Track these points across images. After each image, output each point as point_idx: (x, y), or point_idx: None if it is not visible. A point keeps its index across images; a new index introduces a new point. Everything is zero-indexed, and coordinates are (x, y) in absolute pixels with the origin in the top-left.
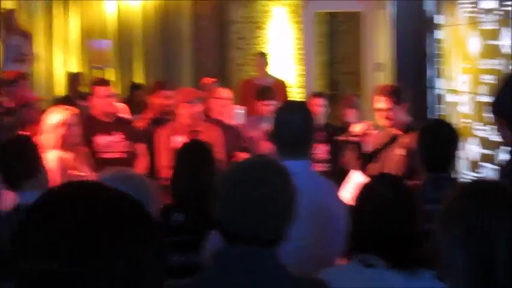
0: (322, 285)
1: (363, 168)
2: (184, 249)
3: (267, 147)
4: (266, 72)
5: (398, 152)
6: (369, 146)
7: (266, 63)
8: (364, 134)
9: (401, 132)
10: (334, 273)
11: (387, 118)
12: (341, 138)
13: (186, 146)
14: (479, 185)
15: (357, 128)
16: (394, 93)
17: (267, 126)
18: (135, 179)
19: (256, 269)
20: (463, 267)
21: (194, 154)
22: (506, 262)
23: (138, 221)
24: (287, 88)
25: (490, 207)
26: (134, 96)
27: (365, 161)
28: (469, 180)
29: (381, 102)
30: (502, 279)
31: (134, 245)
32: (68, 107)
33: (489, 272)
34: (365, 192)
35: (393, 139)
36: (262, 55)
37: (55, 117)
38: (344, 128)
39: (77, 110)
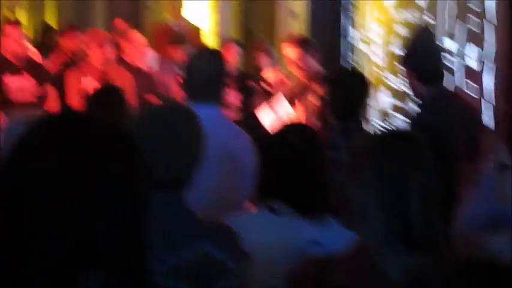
0: (228, 230)
1: None
2: None
3: (179, 93)
4: (181, 17)
5: (310, 101)
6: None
7: (180, 8)
8: (277, 82)
9: (312, 82)
10: (241, 220)
11: (298, 67)
12: (252, 84)
13: (97, 92)
14: (390, 135)
15: (269, 75)
16: (303, 43)
17: (179, 71)
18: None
19: (162, 211)
20: (376, 218)
21: (106, 100)
22: (419, 212)
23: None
24: (201, 34)
25: (400, 157)
26: (45, 38)
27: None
28: (378, 132)
29: (291, 52)
30: (416, 229)
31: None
32: None
33: (403, 222)
34: (275, 140)
35: (304, 88)
36: (176, 1)
37: None
38: (256, 74)
39: None
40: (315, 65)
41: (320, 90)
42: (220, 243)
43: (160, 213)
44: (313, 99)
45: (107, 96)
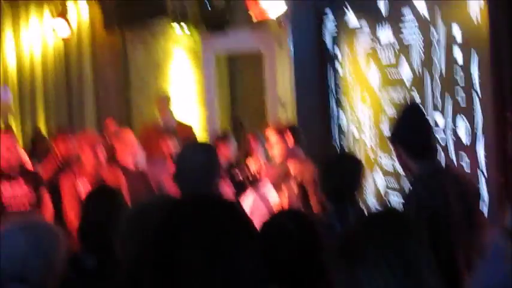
0: None
1: None
2: None
3: (173, 189)
4: (170, 115)
5: (291, 185)
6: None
7: (169, 106)
8: (258, 172)
9: (293, 166)
10: None
11: (277, 152)
12: (239, 178)
13: (92, 193)
14: (373, 217)
15: (252, 166)
16: (283, 130)
17: (171, 167)
18: (42, 227)
19: None
20: None
21: (102, 200)
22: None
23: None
24: (192, 131)
25: (402, 233)
26: (37, 143)
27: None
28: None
29: (271, 138)
30: None
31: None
32: None
33: None
34: (270, 227)
35: (287, 173)
36: (164, 98)
37: None
38: (243, 162)
39: None
40: (294, 149)
41: (300, 174)
42: None
43: None
44: (293, 185)
45: (101, 196)
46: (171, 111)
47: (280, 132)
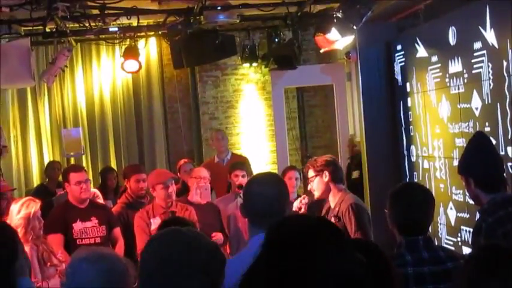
0: None
1: None
2: None
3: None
4: (225, 148)
5: (332, 219)
6: None
7: (224, 138)
8: (299, 209)
9: (331, 199)
10: None
11: (311, 188)
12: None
13: (166, 222)
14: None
15: (295, 203)
16: (315, 165)
17: (240, 201)
18: (111, 257)
19: None
20: None
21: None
22: None
23: None
24: (248, 163)
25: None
26: (107, 180)
27: None
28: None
29: (309, 173)
30: None
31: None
32: (31, 198)
33: None
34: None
35: (328, 209)
36: (218, 131)
37: (21, 210)
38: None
39: (39, 202)
40: (328, 185)
41: (338, 210)
42: None
43: None
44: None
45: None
46: (226, 144)
47: (317, 167)
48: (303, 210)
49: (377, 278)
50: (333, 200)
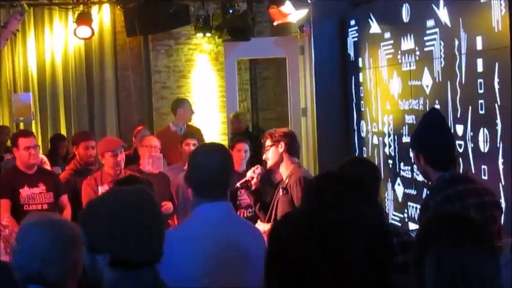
0: None
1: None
2: None
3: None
4: (188, 119)
5: (280, 193)
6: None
7: (190, 110)
8: (252, 178)
9: (283, 171)
10: None
11: (265, 159)
12: (237, 185)
13: (119, 181)
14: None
15: (248, 173)
16: (273, 135)
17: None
18: (61, 223)
19: None
20: None
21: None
22: None
23: None
24: (201, 134)
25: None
26: (57, 148)
27: (262, 205)
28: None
29: (266, 143)
30: None
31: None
32: None
33: None
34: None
35: (278, 182)
36: (177, 101)
37: None
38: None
39: None
40: (280, 156)
41: (287, 182)
42: None
43: None
44: (282, 194)
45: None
46: (183, 115)
47: (274, 137)
48: (255, 180)
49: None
50: (284, 172)
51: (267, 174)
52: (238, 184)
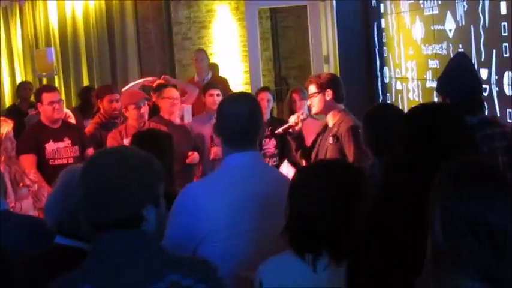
0: (198, 260)
1: (302, 159)
2: None
3: (218, 143)
4: (205, 68)
5: (329, 140)
6: (307, 136)
7: (204, 59)
8: (296, 124)
9: (331, 118)
10: (272, 264)
11: (311, 105)
12: (279, 130)
13: (139, 134)
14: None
15: (291, 119)
16: (318, 81)
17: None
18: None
19: (126, 251)
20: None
21: (146, 141)
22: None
23: None
24: (228, 84)
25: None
26: (89, 99)
27: (304, 151)
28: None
29: (310, 89)
30: None
31: None
32: (3, 119)
33: None
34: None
35: (325, 128)
36: (199, 50)
37: None
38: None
39: (11, 122)
40: (330, 102)
41: (336, 129)
42: (188, 271)
43: (129, 251)
44: (330, 139)
45: (150, 138)
46: (207, 64)
47: (320, 84)
48: (300, 125)
49: (347, 198)
50: (331, 119)
51: (279, 122)
52: (280, 129)
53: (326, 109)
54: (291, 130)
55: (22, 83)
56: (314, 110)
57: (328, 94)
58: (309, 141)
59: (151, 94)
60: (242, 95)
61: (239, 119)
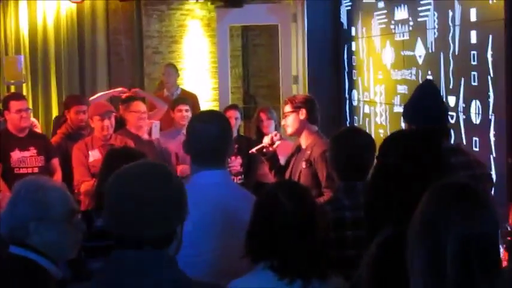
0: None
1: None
2: (106, 254)
3: (185, 159)
4: (174, 83)
5: (302, 165)
6: (281, 157)
7: (173, 74)
8: (270, 145)
9: (304, 139)
10: (242, 282)
11: (284, 125)
12: (252, 150)
13: (112, 152)
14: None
15: (266, 139)
16: (294, 101)
17: (183, 137)
18: (49, 184)
19: (145, 270)
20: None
21: (119, 160)
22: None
23: None
24: (197, 100)
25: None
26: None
27: (278, 171)
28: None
29: (286, 108)
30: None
31: None
32: None
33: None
34: (266, 199)
35: (298, 148)
36: (169, 65)
37: None
38: (259, 140)
39: None
40: (303, 123)
41: (309, 152)
42: None
43: (142, 272)
44: (302, 163)
45: (121, 156)
46: (176, 79)
47: (295, 104)
48: (275, 146)
49: (301, 219)
50: (305, 141)
51: (246, 140)
52: (254, 149)
53: (300, 129)
54: (264, 150)
55: None
56: (289, 131)
57: (302, 113)
58: (281, 161)
59: (120, 106)
60: (213, 113)
61: (209, 138)
